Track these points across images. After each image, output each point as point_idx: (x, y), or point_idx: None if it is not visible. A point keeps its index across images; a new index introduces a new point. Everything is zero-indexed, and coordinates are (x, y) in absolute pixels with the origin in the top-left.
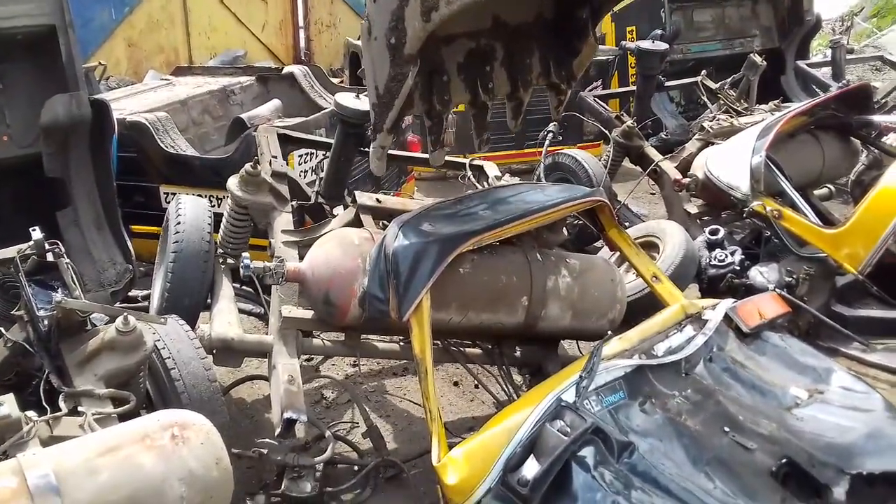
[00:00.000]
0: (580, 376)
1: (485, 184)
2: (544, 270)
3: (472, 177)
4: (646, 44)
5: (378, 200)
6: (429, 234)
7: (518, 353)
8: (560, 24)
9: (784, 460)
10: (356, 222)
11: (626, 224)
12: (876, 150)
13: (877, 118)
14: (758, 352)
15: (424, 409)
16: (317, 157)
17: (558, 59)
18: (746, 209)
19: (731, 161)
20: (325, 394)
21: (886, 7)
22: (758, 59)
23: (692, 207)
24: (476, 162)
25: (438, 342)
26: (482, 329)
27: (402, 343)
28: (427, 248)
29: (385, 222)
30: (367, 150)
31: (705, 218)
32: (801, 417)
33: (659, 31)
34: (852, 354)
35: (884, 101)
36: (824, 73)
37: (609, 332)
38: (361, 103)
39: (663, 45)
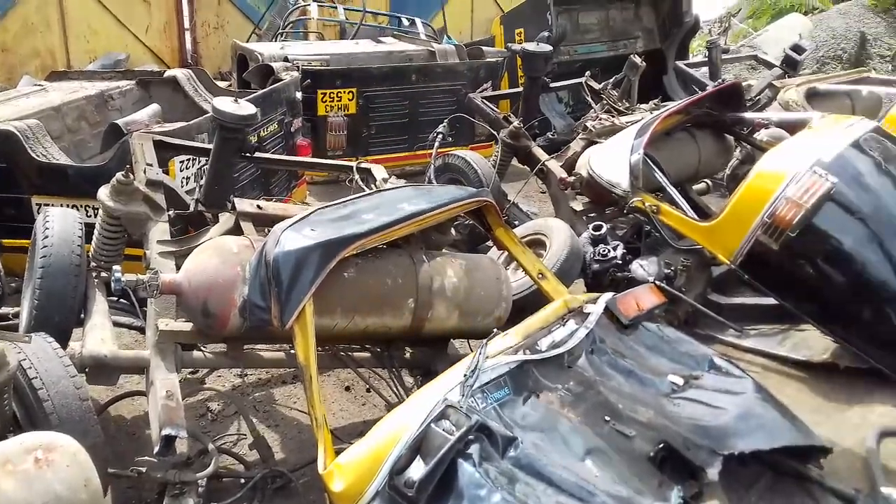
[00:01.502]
0: (464, 375)
1: (372, 186)
2: (430, 271)
3: (359, 180)
4: (530, 46)
5: (259, 207)
6: (311, 239)
7: (408, 355)
8: None
9: (661, 445)
10: (236, 230)
11: (517, 223)
12: (749, 146)
13: (749, 115)
14: (637, 342)
15: (310, 416)
16: (198, 163)
17: None
18: (627, 205)
19: (612, 159)
20: (211, 406)
21: (762, 8)
22: (637, 59)
23: (577, 205)
24: (363, 165)
25: (327, 348)
26: (369, 333)
27: (289, 351)
28: (309, 254)
29: (269, 229)
30: (247, 154)
31: (591, 215)
32: (678, 403)
33: (546, 34)
34: (728, 341)
35: (757, 98)
36: (703, 73)
37: (495, 330)
38: (240, 108)
39: (547, 48)
